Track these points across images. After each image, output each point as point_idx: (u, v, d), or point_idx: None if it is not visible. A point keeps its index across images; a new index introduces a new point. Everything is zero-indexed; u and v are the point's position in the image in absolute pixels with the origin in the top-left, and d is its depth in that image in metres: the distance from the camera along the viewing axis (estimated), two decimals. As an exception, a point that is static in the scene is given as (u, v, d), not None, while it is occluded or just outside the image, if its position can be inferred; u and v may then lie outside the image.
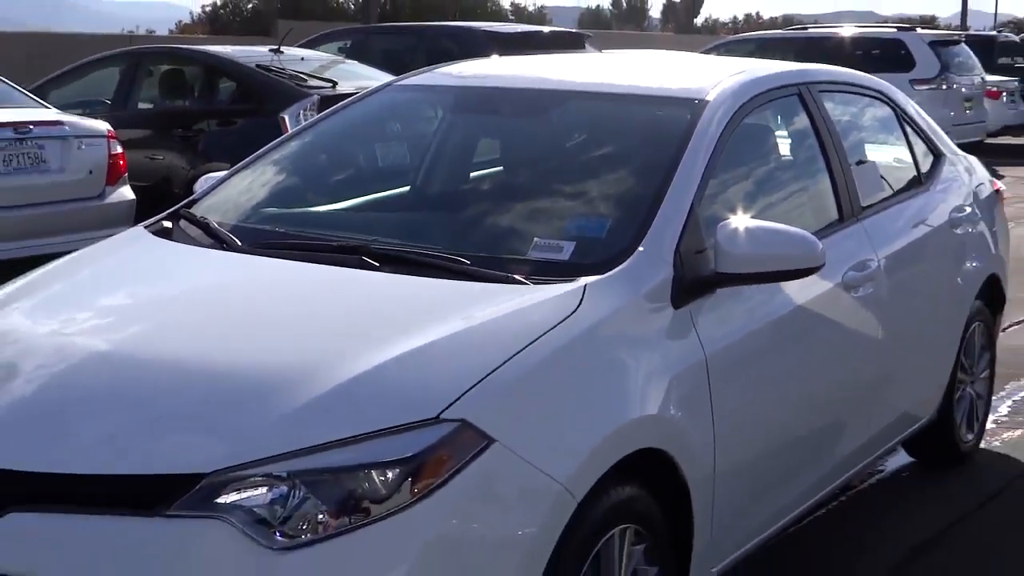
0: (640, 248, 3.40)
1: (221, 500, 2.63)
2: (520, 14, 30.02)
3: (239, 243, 3.75)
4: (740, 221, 3.56)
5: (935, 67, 17.04)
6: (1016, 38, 25.70)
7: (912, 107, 5.38)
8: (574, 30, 15.54)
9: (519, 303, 3.18)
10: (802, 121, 4.45)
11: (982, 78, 18.47)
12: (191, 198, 4.28)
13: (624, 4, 68.08)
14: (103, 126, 8.54)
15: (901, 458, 5.30)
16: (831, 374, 4.16)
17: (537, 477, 2.80)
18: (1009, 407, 6.24)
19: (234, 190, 4.25)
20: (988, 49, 21.26)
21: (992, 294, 5.57)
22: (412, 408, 2.75)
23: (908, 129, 5.23)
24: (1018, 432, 5.91)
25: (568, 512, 2.84)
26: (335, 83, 9.94)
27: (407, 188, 4.42)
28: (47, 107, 8.74)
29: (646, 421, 3.14)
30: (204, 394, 2.85)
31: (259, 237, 3.78)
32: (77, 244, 8.02)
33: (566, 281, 3.28)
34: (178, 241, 3.90)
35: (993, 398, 5.88)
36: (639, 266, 3.36)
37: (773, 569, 4.19)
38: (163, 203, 8.80)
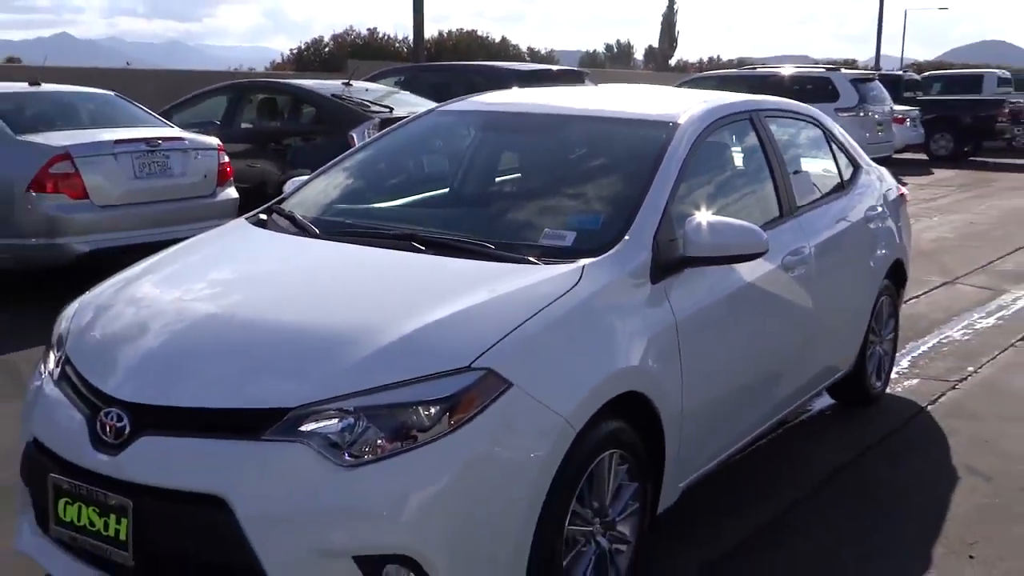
0: (626, 237, 3.37)
1: (303, 428, 2.64)
2: (535, 56, 29.84)
3: (317, 231, 3.72)
4: (703, 216, 3.52)
5: (855, 99, 16.89)
6: (917, 77, 25.44)
7: (837, 129, 5.31)
8: (576, 68, 15.42)
9: (532, 279, 3.14)
10: (752, 140, 4.39)
11: (891, 107, 18.29)
12: (281, 197, 4.24)
13: (615, 48, 68.29)
14: (214, 141, 8.48)
15: (824, 400, 5.24)
16: (773, 335, 4.12)
17: (545, 412, 2.79)
18: (908, 361, 6.18)
19: (313, 191, 4.21)
20: (896, 85, 21.04)
21: (897, 275, 5.51)
22: (450, 359, 2.75)
23: (833, 146, 5.17)
24: (915, 381, 5.85)
25: (569, 440, 2.83)
26: (392, 108, 9.85)
27: (446, 190, 4.36)
28: (171, 126, 8.71)
29: (629, 370, 3.12)
30: (289, 346, 2.85)
31: (332, 227, 3.74)
32: (194, 232, 8.04)
33: (570, 262, 3.25)
34: (271, 230, 3.88)
35: (896, 355, 5.84)
36: (625, 251, 3.33)
37: (726, 483, 4.14)
38: (260, 201, 8.81)
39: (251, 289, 3.35)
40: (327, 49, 25.17)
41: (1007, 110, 23.98)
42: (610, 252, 3.30)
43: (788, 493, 4.26)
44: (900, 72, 28.05)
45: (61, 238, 7.33)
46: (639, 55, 64.90)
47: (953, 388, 5.72)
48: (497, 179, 4.28)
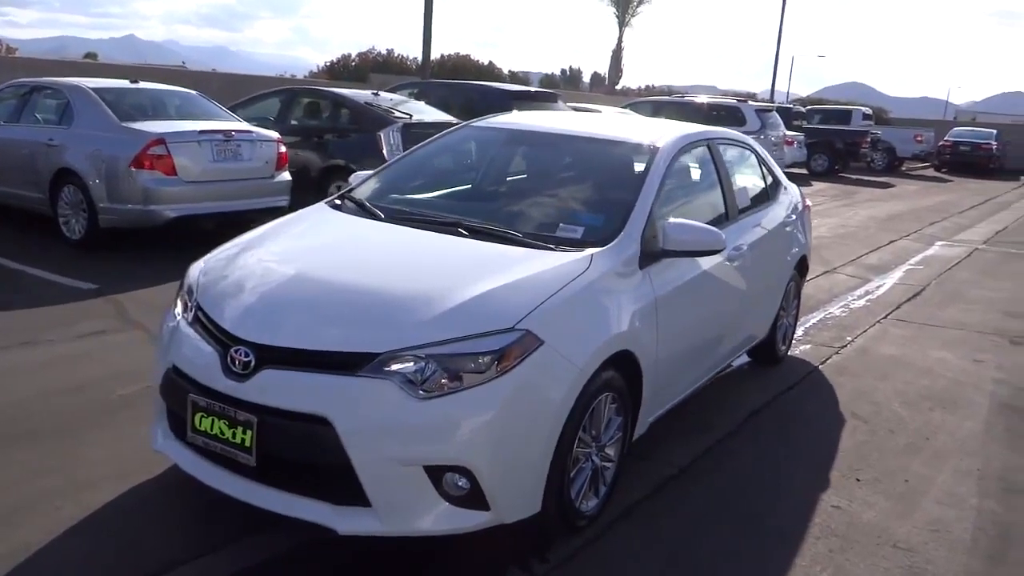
0: (622, 233, 3.44)
1: (388, 368, 2.69)
2: (514, 77, 29.71)
3: (382, 216, 3.74)
4: (678, 219, 3.59)
5: (758, 124, 16.97)
6: (803, 109, 25.61)
7: (765, 153, 5.38)
8: (551, 90, 15.30)
9: (554, 262, 3.18)
10: (708, 161, 4.43)
11: (783, 132, 18.40)
12: (350, 187, 4.21)
13: (568, 72, 67.80)
14: (275, 134, 8.37)
15: (743, 359, 5.28)
16: (718, 308, 4.20)
17: (566, 364, 2.87)
18: (802, 331, 6.27)
19: (376, 183, 4.18)
20: (786, 114, 21.19)
21: (801, 266, 5.60)
22: (498, 321, 2.80)
23: (763, 167, 5.24)
24: (808, 346, 5.96)
25: (581, 385, 2.91)
26: (411, 115, 9.78)
27: (480, 188, 4.32)
28: (241, 121, 8.61)
29: (624, 334, 3.18)
30: (375, 304, 2.87)
31: (394, 213, 3.74)
32: (258, 205, 8.06)
33: (579, 250, 3.31)
34: (345, 212, 3.89)
35: (797, 325, 5.96)
36: (621, 244, 3.39)
37: (678, 419, 4.18)
38: (301, 183, 8.76)
39: (339, 258, 3.37)
40: (354, 63, 24.84)
41: (868, 139, 24.35)
42: (611, 244, 3.35)
43: (723, 426, 4.36)
44: (790, 105, 28.25)
45: (155, 205, 7.26)
46: (586, 79, 64.43)
47: (837, 352, 5.87)
48: (520, 182, 4.25)
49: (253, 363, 2.78)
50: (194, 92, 8.87)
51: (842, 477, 3.87)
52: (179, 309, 3.27)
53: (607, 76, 40.25)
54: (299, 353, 2.76)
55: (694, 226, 3.56)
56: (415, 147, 4.50)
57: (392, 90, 12.39)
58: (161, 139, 7.26)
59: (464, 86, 12.78)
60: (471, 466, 2.68)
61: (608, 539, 3.18)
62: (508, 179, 4.30)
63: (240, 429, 2.77)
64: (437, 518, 2.72)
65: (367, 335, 2.76)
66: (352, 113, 9.91)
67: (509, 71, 31.77)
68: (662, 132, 4.20)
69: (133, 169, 7.18)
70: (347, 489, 2.70)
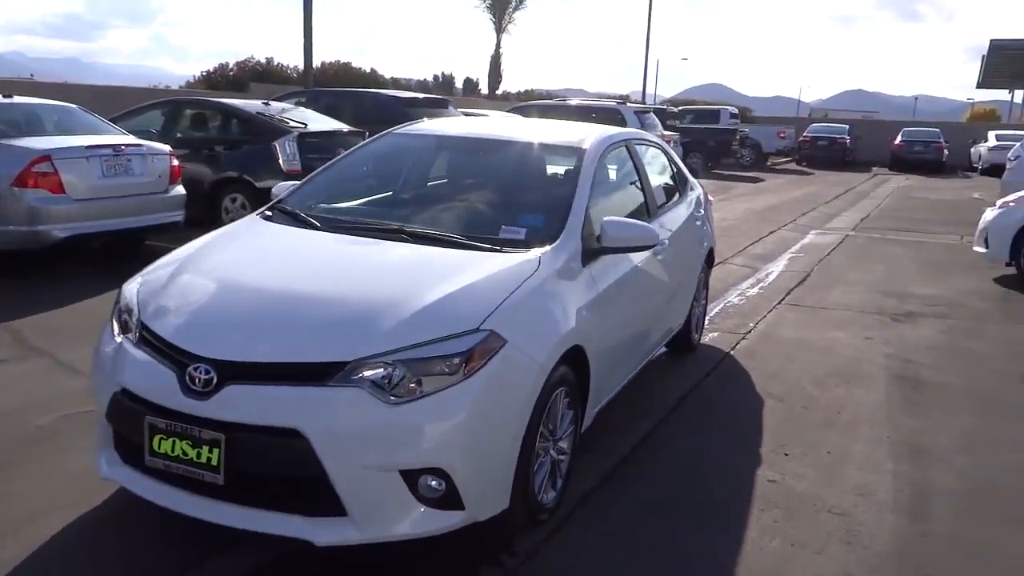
0: (563, 233, 3.52)
1: (358, 376, 2.69)
2: (396, 84, 29.48)
3: (319, 225, 3.70)
4: (614, 217, 3.71)
5: (637, 125, 17.29)
6: (675, 110, 26.63)
7: (673, 153, 5.62)
8: (441, 96, 15.30)
9: (506, 263, 3.24)
10: (628, 161, 4.57)
11: (661, 132, 19.04)
12: (278, 198, 4.11)
13: (440, 78, 67.64)
14: (166, 147, 8.06)
15: (660, 351, 5.41)
16: (648, 300, 4.34)
17: (529, 361, 2.93)
18: (709, 319, 6.51)
19: (305, 194, 4.09)
20: (661, 115, 21.95)
21: (710, 258, 5.87)
22: (463, 322, 2.83)
23: (672, 166, 5.45)
24: (716, 334, 6.23)
25: (543, 380, 2.98)
26: (306, 124, 9.61)
27: (415, 195, 4.30)
28: (127, 134, 8.23)
29: (575, 330, 3.25)
30: (337, 313, 2.85)
31: (332, 222, 3.71)
32: (152, 222, 7.73)
33: (525, 251, 3.38)
34: (280, 224, 3.81)
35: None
36: (564, 243, 3.47)
37: (613, 411, 4.24)
38: (193, 197, 8.44)
39: (288, 269, 3.31)
40: (232, 73, 24.00)
41: (738, 137, 25.58)
42: (555, 244, 3.43)
43: (655, 414, 4.53)
44: (663, 106, 29.32)
45: (43, 225, 6.85)
46: (459, 84, 64.66)
47: (743, 338, 6.18)
48: (454, 187, 4.26)
49: (215, 380, 2.71)
50: (74, 106, 8.42)
51: (771, 453, 4.10)
52: (116, 330, 3.15)
53: (488, 81, 40.44)
54: (264, 367, 2.72)
55: (630, 223, 3.70)
56: (340, 156, 4.44)
57: (279, 99, 12.12)
58: (47, 156, 6.87)
59: (355, 94, 12.64)
60: (446, 467, 2.71)
61: (567, 530, 3.26)
62: (442, 184, 4.32)
63: (206, 448, 2.69)
64: (415, 521, 2.74)
65: (334, 344, 2.74)
66: (243, 123, 9.65)
67: (392, 77, 31.52)
68: (585, 134, 4.32)
69: (16, 188, 6.76)
70: (321, 500, 2.68)
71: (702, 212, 5.65)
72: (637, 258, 4.03)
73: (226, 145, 9.56)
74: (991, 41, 55.24)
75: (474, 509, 2.82)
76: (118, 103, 12.36)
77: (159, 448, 2.77)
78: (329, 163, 4.37)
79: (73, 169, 7.04)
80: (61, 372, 4.84)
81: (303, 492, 2.71)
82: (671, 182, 5.31)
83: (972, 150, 31.05)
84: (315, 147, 9.37)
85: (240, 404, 2.68)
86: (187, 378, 2.75)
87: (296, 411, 2.64)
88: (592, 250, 3.60)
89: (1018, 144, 14.65)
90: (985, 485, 3.86)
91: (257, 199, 9.16)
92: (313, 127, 9.61)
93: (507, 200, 3.93)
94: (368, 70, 26.99)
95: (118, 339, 3.09)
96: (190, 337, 2.83)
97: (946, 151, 29.64)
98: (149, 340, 2.95)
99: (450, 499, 2.76)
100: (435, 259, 3.30)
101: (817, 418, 4.61)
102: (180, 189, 8.09)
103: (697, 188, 5.87)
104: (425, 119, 5.11)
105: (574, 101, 18.90)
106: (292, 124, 9.48)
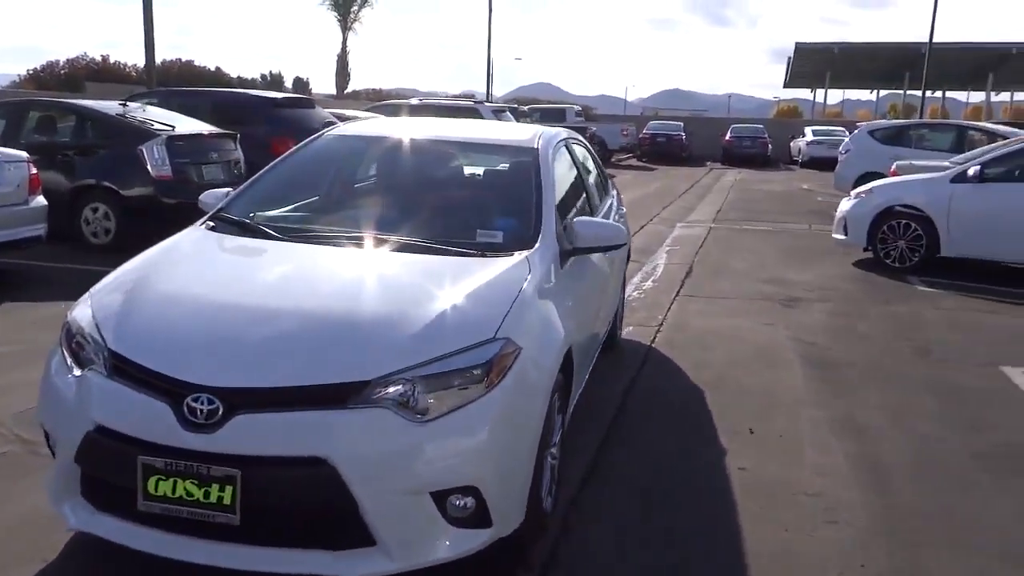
0: (540, 236, 3.43)
1: (381, 395, 2.51)
2: (244, 83, 28.07)
3: (280, 236, 3.41)
4: (584, 218, 3.69)
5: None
6: (525, 108, 27.01)
7: (593, 151, 5.66)
8: (305, 96, 14.68)
9: (498, 268, 3.12)
10: (568, 159, 4.52)
11: (519, 131, 19.27)
12: (218, 207, 3.76)
13: (269, 77, 64.82)
14: (24, 154, 7.25)
15: None
16: (599, 297, 4.31)
17: (540, 368, 2.87)
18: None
19: (245, 202, 3.79)
20: (515, 112, 22.24)
21: (628, 254, 5.98)
22: (478, 332, 2.71)
23: (596, 162, 5.48)
24: (631, 328, 6.29)
25: (552, 384, 2.93)
26: (173, 127, 8.97)
27: (368, 200, 4.01)
28: (-27, 140, 7.35)
29: (569, 332, 3.19)
30: (349, 329, 2.65)
31: (291, 232, 3.45)
32: (11, 236, 6.93)
33: (510, 255, 3.27)
34: (229, 235, 3.51)
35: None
36: (545, 246, 3.39)
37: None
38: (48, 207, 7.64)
39: (269, 284, 3.04)
40: (63, 72, 21.86)
41: (588, 134, 26.31)
42: (536, 247, 3.34)
43: (607, 410, 4.53)
44: (514, 105, 29.69)
45: None
46: (288, 83, 62.57)
47: (658, 331, 6.32)
48: (410, 191, 4.01)
49: (220, 410, 2.45)
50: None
51: (731, 440, 4.21)
52: (70, 361, 2.78)
53: (335, 81, 39.20)
54: (277, 392, 2.48)
55: (601, 223, 3.69)
56: (274, 162, 4.11)
57: (130, 100, 11.25)
58: None
59: (215, 94, 11.93)
60: (478, 483, 2.58)
61: (574, 536, 3.19)
62: (398, 189, 4.08)
63: (215, 487, 2.42)
64: (447, 544, 2.59)
65: (351, 363, 2.54)
66: (102, 127, 8.87)
67: (239, 77, 29.96)
68: (530, 133, 4.26)
69: None
70: (347, 531, 2.48)
71: (623, 209, 5.73)
72: (596, 257, 4.02)
73: (81, 150, 8.75)
74: (796, 44, 60.13)
75: (500, 525, 2.70)
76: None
77: (156, 491, 2.47)
78: (267, 168, 4.06)
79: (-81, 180, 6.21)
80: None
81: (325, 524, 2.50)
82: (600, 179, 5.35)
83: (792, 144, 33.53)
84: (186, 151, 8.77)
85: (255, 435, 2.43)
86: (185, 410, 2.46)
87: (321, 437, 2.43)
88: (566, 251, 3.55)
89: (847, 139, 15.94)
90: (924, 455, 4.13)
91: (123, 209, 8.47)
92: (182, 129, 8.97)
93: (472, 203, 3.81)
94: (213, 68, 25.54)
95: (77, 372, 2.73)
96: (182, 365, 2.54)
97: (770, 146, 31.84)
98: (124, 370, 2.62)
99: (479, 517, 2.63)
100: (425, 267, 3.14)
101: (755, 403, 4.79)
102: (41, 200, 7.31)
103: (614, 185, 5.94)
104: (357, 121, 4.87)
105: (434, 100, 18.77)
106: (158, 127, 8.80)
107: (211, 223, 3.63)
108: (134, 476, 2.48)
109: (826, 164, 28.71)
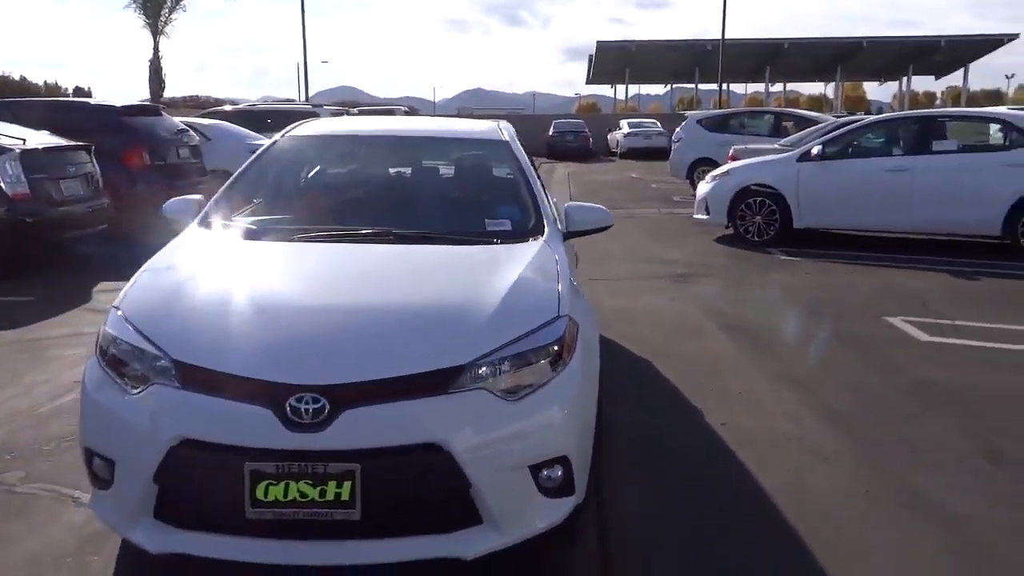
0: (546, 220, 3.59)
1: (473, 378, 2.58)
2: (55, 92, 25.59)
3: (293, 236, 3.36)
4: (575, 203, 3.85)
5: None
6: (355, 111, 26.55)
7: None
8: (148, 103, 13.75)
9: (527, 253, 3.23)
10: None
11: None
12: (203, 212, 3.61)
13: (44, 86, 59.30)
14: None
15: None
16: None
17: (591, 343, 3.03)
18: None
19: (236, 208, 3.66)
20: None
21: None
22: (543, 312, 2.83)
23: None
24: None
25: (598, 361, 3.09)
26: (24, 140, 8.21)
27: (362, 196, 3.96)
28: None
29: (588, 313, 3.34)
30: (427, 319, 2.71)
31: (301, 232, 3.40)
32: None
33: (525, 241, 3.39)
34: (239, 238, 3.39)
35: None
36: (553, 231, 3.55)
37: None
38: None
39: (321, 282, 3.01)
40: None
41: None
42: (548, 232, 3.50)
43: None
44: (356, 110, 29.13)
45: None
46: (70, 91, 57.82)
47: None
48: (407, 186, 4.00)
49: (327, 408, 2.42)
50: None
51: (700, 402, 4.52)
52: (120, 380, 2.62)
53: (149, 88, 36.55)
54: (380, 384, 2.47)
55: (590, 207, 3.88)
56: (245, 166, 3.95)
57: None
58: None
59: (54, 104, 11.03)
60: (569, 453, 2.69)
61: (607, 510, 3.33)
62: (391, 185, 4.05)
63: (333, 483, 2.39)
64: (544, 514, 2.68)
65: (444, 350, 2.58)
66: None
67: (44, 82, 27.34)
68: (490, 126, 4.36)
69: None
70: (454, 513, 2.53)
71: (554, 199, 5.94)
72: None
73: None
74: (598, 43, 63.12)
75: (580, 493, 2.83)
76: None
77: (267, 496, 2.39)
78: (243, 170, 3.90)
79: None
80: None
81: (434, 509, 2.53)
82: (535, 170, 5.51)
83: (609, 137, 35.22)
84: (41, 166, 8.06)
85: (368, 428, 2.42)
86: (288, 411, 2.41)
87: (433, 424, 2.46)
88: (563, 235, 3.71)
89: (679, 128, 17.08)
90: (861, 397, 4.66)
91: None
92: (34, 143, 8.24)
93: (467, 194, 3.89)
94: (18, 78, 23.19)
95: (135, 390, 2.58)
96: (276, 367, 2.47)
97: (591, 139, 33.26)
98: (202, 380, 2.51)
99: (566, 486, 2.73)
100: (462, 256, 3.21)
101: (704, 370, 5.15)
102: None
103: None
104: (321, 118, 4.76)
105: (279, 107, 18.18)
106: (7, 141, 8.03)
107: (219, 226, 3.49)
108: (241, 485, 2.39)
109: (643, 154, 30.60)
